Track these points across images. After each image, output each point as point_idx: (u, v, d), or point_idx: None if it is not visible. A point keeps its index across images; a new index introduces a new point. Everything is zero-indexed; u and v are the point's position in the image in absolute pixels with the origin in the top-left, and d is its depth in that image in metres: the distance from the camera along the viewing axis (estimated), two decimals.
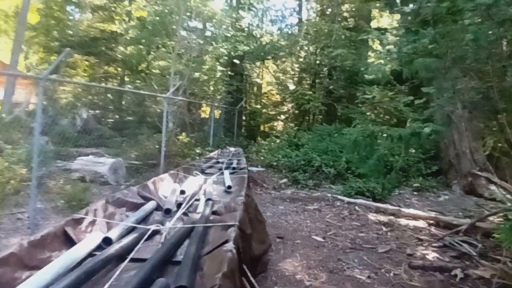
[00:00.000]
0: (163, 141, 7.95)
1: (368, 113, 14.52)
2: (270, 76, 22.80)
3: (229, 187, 5.74)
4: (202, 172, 7.69)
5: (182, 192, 5.32)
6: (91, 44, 15.10)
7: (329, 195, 8.36)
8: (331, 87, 14.46)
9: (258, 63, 21.47)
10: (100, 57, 15.73)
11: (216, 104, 13.22)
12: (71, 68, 18.16)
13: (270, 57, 19.30)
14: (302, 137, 12.32)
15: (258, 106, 20.13)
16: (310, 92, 14.06)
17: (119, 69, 16.33)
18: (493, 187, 9.72)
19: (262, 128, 20.25)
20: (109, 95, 15.67)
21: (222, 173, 7.18)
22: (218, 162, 8.99)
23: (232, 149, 11.50)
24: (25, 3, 16.37)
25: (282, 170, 10.15)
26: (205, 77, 12.46)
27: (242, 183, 5.91)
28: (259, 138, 14.42)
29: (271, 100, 21.21)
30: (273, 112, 19.34)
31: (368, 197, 8.24)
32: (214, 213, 4.04)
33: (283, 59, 19.44)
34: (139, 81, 12.69)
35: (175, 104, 11.57)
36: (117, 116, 15.07)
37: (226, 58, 13.42)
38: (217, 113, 18.72)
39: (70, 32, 15.56)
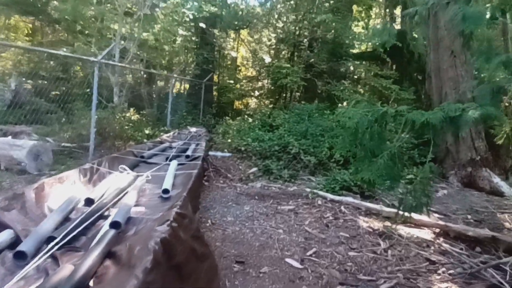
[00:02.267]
0: (93, 118, 6.02)
1: (352, 90, 12.89)
2: (245, 49, 20.77)
3: (166, 191, 3.95)
4: (144, 162, 5.86)
5: (89, 202, 3.50)
6: (29, 2, 12.46)
7: (308, 190, 6.73)
8: (312, 60, 12.66)
9: (232, 35, 19.36)
10: (40, 17, 13.15)
11: (175, 76, 11.17)
12: (10, 31, 15.46)
13: (245, 26, 17.22)
14: (277, 116, 10.57)
15: (231, 81, 18.11)
16: (288, 65, 12.22)
17: (64, 31, 13.81)
18: (496, 180, 8.40)
19: (236, 105, 18.33)
20: (51, 62, 13.28)
21: (169, 165, 5.38)
22: (170, 147, 7.16)
23: (193, 129, 9.65)
24: None
25: (252, 156, 8.42)
26: (159, 40, 10.31)
27: (188, 183, 4.12)
28: (227, 117, 12.52)
29: (245, 75, 19.25)
30: (247, 88, 17.42)
31: (356, 193, 6.69)
32: (111, 255, 2.25)
33: (259, 28, 17.40)
34: (85, 45, 10.35)
35: (123, 74, 9.50)
36: (63, 88, 12.62)
37: (188, 20, 11.25)
38: (181, 86, 16.65)
39: None
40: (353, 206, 6.08)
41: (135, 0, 9.48)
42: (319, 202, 6.22)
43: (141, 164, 5.61)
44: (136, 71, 11.85)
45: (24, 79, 12.65)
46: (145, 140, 7.63)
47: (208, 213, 5.42)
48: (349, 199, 6.29)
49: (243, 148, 8.57)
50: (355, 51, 15.16)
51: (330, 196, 6.41)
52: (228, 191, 6.67)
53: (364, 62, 14.03)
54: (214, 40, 14.56)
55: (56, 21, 12.15)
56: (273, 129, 9.99)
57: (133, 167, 5.40)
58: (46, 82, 12.72)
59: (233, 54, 19.53)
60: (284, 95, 15.78)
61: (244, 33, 19.99)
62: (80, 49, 10.58)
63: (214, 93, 17.46)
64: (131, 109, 8.89)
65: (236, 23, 16.10)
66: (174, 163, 5.34)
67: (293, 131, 8.82)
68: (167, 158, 5.86)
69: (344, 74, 14.26)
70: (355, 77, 15.36)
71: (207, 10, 10.59)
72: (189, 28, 12.33)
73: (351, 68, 14.67)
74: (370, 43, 14.30)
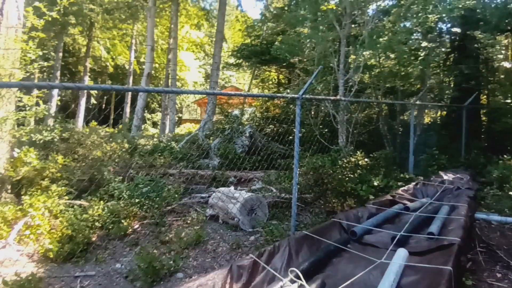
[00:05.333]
0: (295, 168, 4.55)
1: None
2: None
3: None
4: (356, 241, 3.73)
5: None
6: (264, 51, 13.18)
7: None
8: None
9: (504, 40, 14.40)
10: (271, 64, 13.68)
11: (417, 102, 8.35)
12: (262, 82, 17.10)
13: None
14: None
15: (508, 101, 13.08)
16: None
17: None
18: None
19: None
20: (291, 106, 13.30)
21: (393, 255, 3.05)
22: (407, 211, 4.67)
23: (448, 176, 6.62)
24: (219, 22, 16.40)
25: None
26: (390, 61, 7.91)
27: None
28: (505, 156, 8.33)
29: None
30: None
31: None
32: None
33: None
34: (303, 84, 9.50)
35: (348, 108, 7.77)
36: (303, 130, 12.13)
37: (433, 25, 8.29)
38: (436, 115, 13.30)
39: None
40: None
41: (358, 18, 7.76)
42: None
43: (349, 247, 3.53)
44: (368, 104, 9.96)
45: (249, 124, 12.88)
46: (371, 197, 5.46)
47: None
48: None
49: None
50: None
51: None
52: None
53: None
54: (477, 49, 10.75)
55: (290, 65, 12.09)
56: None
57: (335, 252, 3.41)
58: (285, 125, 12.75)
59: (507, 65, 14.35)
60: None
61: None
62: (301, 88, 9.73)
63: (482, 118, 13.07)
64: (358, 152, 6.94)
65: (507, 21, 11.56)
66: (399, 257, 2.97)
67: None
68: (393, 239, 3.51)
69: None
70: None
71: (461, 5, 7.45)
72: (434, 38, 9.32)
73: None
74: None
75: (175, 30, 18.61)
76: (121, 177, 6.39)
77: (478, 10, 10.09)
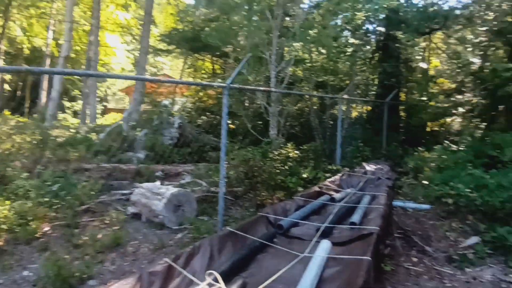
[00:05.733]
0: (222, 161, 4.38)
1: None
2: (439, 58, 16.61)
3: None
4: (282, 235, 3.70)
5: None
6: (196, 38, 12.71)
7: None
8: None
9: (422, 42, 15.67)
10: (216, 54, 13.30)
11: (345, 97, 8.77)
12: (195, 71, 16.59)
13: (438, 27, 13.42)
14: (504, 145, 6.70)
15: (423, 98, 14.29)
16: None
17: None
18: None
19: (430, 127, 14.34)
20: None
21: (317, 249, 3.04)
22: (333, 201, 4.75)
23: (370, 167, 6.94)
24: (148, 3, 15.45)
25: (467, 214, 5.16)
26: (321, 56, 8.12)
27: None
28: (419, 148, 9.15)
29: (441, 88, 15.07)
30: (445, 105, 13.31)
31: None
32: None
33: (458, 28, 13.24)
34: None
35: (280, 100, 7.83)
36: (236, 121, 11.89)
37: (359, 23, 8.71)
38: (362, 109, 14.05)
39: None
40: None
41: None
42: None
43: (276, 241, 3.45)
44: (298, 97, 10.15)
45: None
46: (299, 189, 5.51)
47: None
48: None
49: (450, 200, 5.36)
50: None
51: None
52: (428, 287, 3.76)
53: None
54: (398, 49, 11.50)
55: (224, 54, 11.84)
56: (497, 165, 6.28)
57: (261, 248, 3.30)
58: (218, 117, 12.46)
59: (423, 65, 15.68)
60: (503, 110, 11.12)
61: (437, 37, 15.99)
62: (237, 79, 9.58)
63: (401, 114, 14.11)
64: (289, 144, 7.00)
65: (426, 24, 12.59)
66: (322, 249, 2.95)
67: None
68: (318, 230, 3.51)
69: None
70: None
71: (386, 5, 7.85)
72: (361, 37, 9.82)
73: None
74: None
75: (97, 9, 17.26)
76: (28, 173, 5.68)
77: (400, 13, 10.74)
